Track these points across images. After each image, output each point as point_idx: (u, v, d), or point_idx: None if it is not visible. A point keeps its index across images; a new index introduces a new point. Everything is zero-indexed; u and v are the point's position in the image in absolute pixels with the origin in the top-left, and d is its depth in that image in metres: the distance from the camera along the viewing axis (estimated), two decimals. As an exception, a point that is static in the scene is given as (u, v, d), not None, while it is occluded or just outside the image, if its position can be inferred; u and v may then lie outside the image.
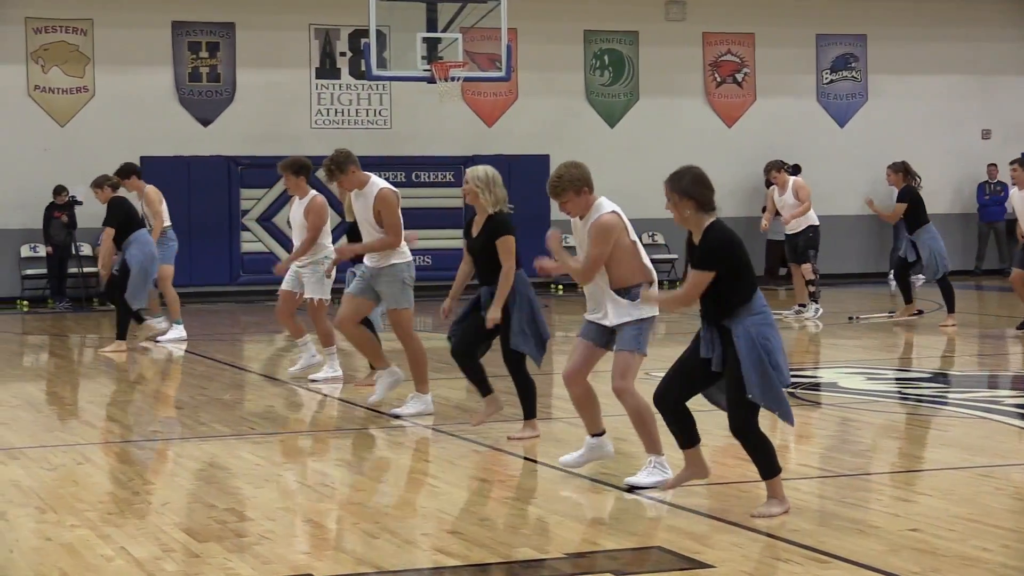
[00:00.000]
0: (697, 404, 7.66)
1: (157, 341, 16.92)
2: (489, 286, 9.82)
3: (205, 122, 24.14)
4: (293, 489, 8.49)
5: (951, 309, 17.39)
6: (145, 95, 23.81)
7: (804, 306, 18.90)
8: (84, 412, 11.96)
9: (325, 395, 12.48)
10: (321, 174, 11.42)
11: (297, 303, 13.28)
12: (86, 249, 23.12)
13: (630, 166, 24.62)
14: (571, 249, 8.62)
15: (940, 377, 13.61)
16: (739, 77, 26.71)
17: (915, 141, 27.02)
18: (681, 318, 16.90)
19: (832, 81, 27.26)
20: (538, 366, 10.02)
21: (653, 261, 8.46)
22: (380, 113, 24.91)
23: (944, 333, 16.89)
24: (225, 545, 6.95)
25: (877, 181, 24.19)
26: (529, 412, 9.94)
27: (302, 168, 13.01)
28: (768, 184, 20.42)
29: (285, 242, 22.34)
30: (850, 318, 18.65)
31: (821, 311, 18.81)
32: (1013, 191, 17.07)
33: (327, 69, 24.77)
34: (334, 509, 7.98)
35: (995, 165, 26.80)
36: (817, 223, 18.89)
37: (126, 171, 17.04)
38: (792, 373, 13.28)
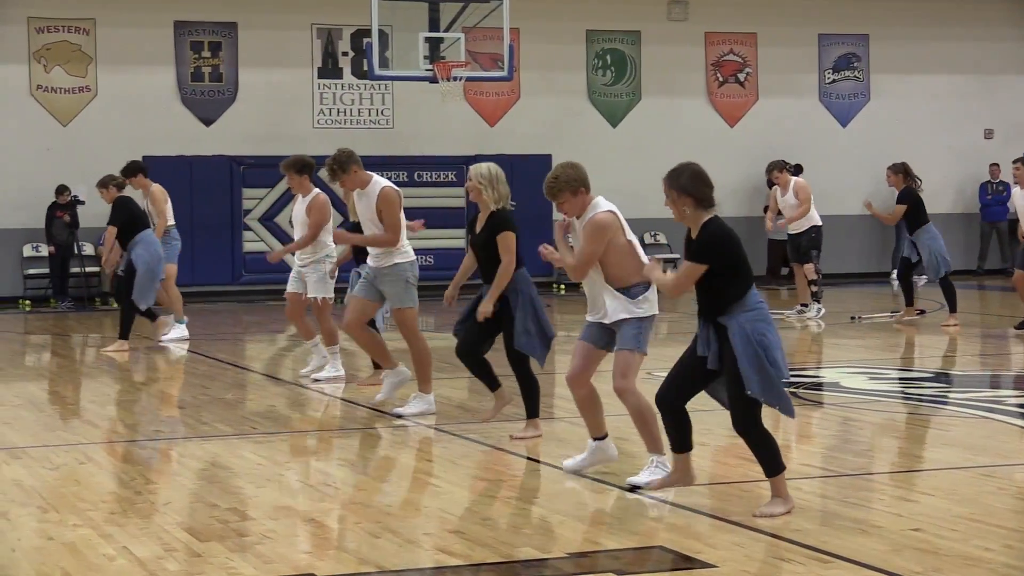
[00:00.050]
0: (700, 403, 7.66)
1: (159, 341, 16.91)
2: (490, 283, 9.84)
3: (207, 122, 24.15)
4: (295, 489, 8.49)
5: (953, 309, 17.39)
6: (147, 95, 23.82)
7: (806, 306, 18.90)
8: (86, 411, 11.96)
9: (327, 394, 12.48)
10: (324, 174, 11.43)
11: (305, 304, 13.29)
12: (88, 248, 23.13)
13: (632, 166, 24.62)
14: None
15: (942, 377, 13.60)
16: (741, 77, 26.70)
17: (917, 141, 27.02)
18: (682, 317, 16.93)
19: (834, 81, 27.25)
20: (541, 366, 10.02)
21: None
22: (382, 113, 24.92)
23: (946, 333, 16.89)
24: (227, 544, 6.95)
25: (879, 181, 24.14)
26: (532, 411, 9.95)
27: (305, 167, 13.02)
28: (770, 184, 20.41)
29: (287, 241, 22.26)
30: (852, 318, 18.65)
31: (823, 311, 18.81)
32: (1015, 190, 17.06)
33: (329, 69, 24.78)
34: (336, 509, 7.98)
35: (997, 165, 26.80)
36: (820, 223, 18.89)
37: (133, 169, 17.07)
38: (794, 373, 13.33)
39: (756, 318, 7.30)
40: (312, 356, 13.49)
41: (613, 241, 8.14)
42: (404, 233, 11.15)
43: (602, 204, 8.26)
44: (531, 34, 24.83)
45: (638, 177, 23.02)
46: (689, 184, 7.41)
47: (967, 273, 26.49)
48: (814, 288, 18.86)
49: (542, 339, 9.74)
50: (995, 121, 27.90)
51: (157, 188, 17.13)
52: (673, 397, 7.57)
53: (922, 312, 18.34)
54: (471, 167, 10.09)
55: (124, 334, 16.16)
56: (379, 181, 11.16)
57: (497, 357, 10.15)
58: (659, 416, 7.81)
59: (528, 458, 9.27)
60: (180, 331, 17.07)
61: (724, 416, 7.56)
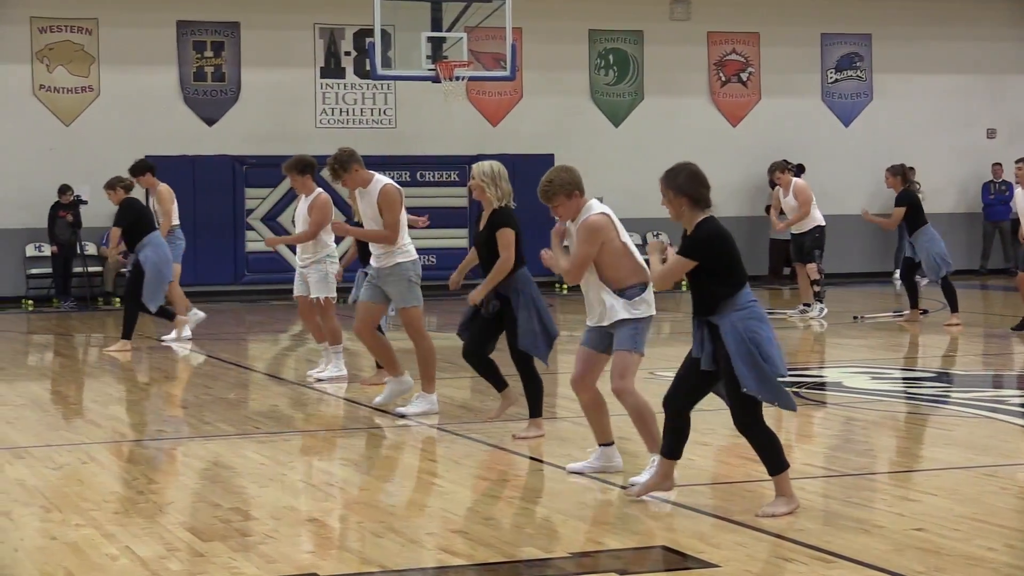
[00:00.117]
0: (703, 403, 7.66)
1: (162, 340, 16.93)
2: (492, 283, 9.90)
3: (210, 121, 24.16)
4: (298, 488, 8.49)
5: (954, 308, 17.39)
6: (150, 94, 23.83)
7: (809, 305, 18.90)
8: (89, 411, 11.97)
9: (330, 394, 12.48)
10: (326, 173, 11.44)
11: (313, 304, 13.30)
12: (91, 248, 23.15)
13: (635, 165, 24.62)
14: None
15: (945, 377, 13.60)
16: (744, 76, 26.70)
17: (920, 140, 27.03)
18: (685, 317, 16.89)
19: (837, 80, 27.25)
20: (546, 365, 10.03)
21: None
22: (385, 112, 24.92)
23: (949, 333, 16.89)
24: (230, 544, 6.95)
25: (881, 181, 24.01)
26: (535, 411, 9.95)
27: (307, 166, 13.02)
28: (772, 184, 20.42)
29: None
30: (855, 317, 18.65)
31: (826, 311, 18.81)
32: (1018, 191, 17.04)
33: (332, 68, 24.79)
34: (339, 508, 7.98)
35: (1000, 164, 26.80)
36: (824, 223, 18.89)
37: (141, 168, 17.12)
38: (797, 372, 13.33)
39: (748, 316, 7.30)
40: (323, 358, 13.47)
41: (608, 243, 8.16)
42: (405, 232, 11.16)
43: (595, 207, 8.32)
44: (533, 34, 24.82)
45: (640, 177, 23.01)
46: (686, 184, 7.43)
47: (970, 273, 26.49)
48: (816, 288, 18.86)
49: (545, 338, 9.75)
50: (998, 121, 27.89)
51: (164, 188, 17.18)
52: (681, 402, 7.56)
53: (925, 312, 18.34)
54: (473, 165, 10.11)
55: (127, 334, 16.16)
56: (380, 179, 11.17)
57: (501, 357, 10.15)
58: (658, 416, 7.81)
59: (531, 458, 9.27)
60: (182, 331, 17.05)
61: (727, 415, 7.56)
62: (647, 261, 7.99)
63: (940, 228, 17.76)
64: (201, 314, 17.33)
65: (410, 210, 11.76)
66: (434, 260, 22.63)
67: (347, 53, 24.79)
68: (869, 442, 9.95)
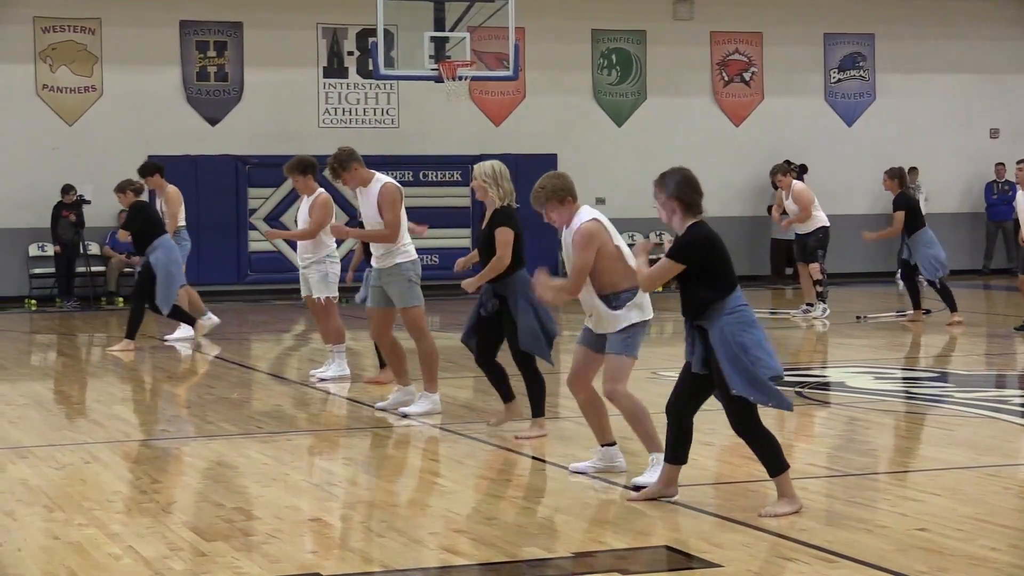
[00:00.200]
0: (705, 403, 7.66)
1: (165, 340, 16.95)
2: (491, 283, 9.88)
3: (213, 121, 24.17)
4: (301, 488, 8.49)
5: (953, 308, 17.42)
6: (153, 94, 23.83)
7: (812, 305, 18.90)
8: (92, 411, 11.97)
9: (333, 394, 12.49)
10: (327, 172, 11.44)
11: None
12: (94, 248, 23.16)
13: (637, 165, 24.60)
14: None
15: (947, 377, 13.59)
16: (747, 76, 26.69)
17: (923, 140, 27.02)
18: (688, 317, 16.88)
19: (840, 80, 27.24)
20: (551, 364, 10.03)
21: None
22: (388, 112, 24.93)
23: (951, 332, 16.88)
24: (233, 544, 6.95)
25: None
26: (537, 411, 9.95)
27: (308, 167, 13.02)
28: (775, 186, 20.43)
29: (292, 241, 22.34)
30: (858, 317, 18.65)
31: (828, 311, 18.81)
32: (1020, 192, 17.01)
33: (335, 68, 24.79)
34: (341, 508, 7.99)
35: (1003, 164, 26.78)
36: (828, 224, 18.90)
37: (150, 168, 17.16)
38: (799, 372, 13.33)
39: (735, 320, 7.30)
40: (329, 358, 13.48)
41: (602, 247, 8.20)
42: (406, 231, 11.16)
43: (585, 213, 8.35)
44: (536, 33, 24.83)
45: (643, 176, 22.75)
46: (678, 188, 7.46)
47: (973, 273, 26.49)
48: (819, 288, 18.87)
49: (546, 337, 9.75)
50: (1001, 121, 27.88)
51: (173, 190, 17.22)
52: (682, 408, 7.57)
53: (928, 312, 18.34)
54: (475, 166, 10.12)
55: (130, 334, 16.17)
56: (380, 178, 11.18)
57: (503, 356, 10.15)
58: (657, 416, 7.80)
59: (533, 457, 9.28)
60: (185, 330, 17.06)
61: (729, 416, 7.57)
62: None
63: (943, 228, 17.81)
64: (215, 319, 17.32)
65: (411, 213, 11.73)
66: (436, 260, 22.64)
67: (350, 53, 24.79)
68: (872, 442, 9.95)
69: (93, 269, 22.96)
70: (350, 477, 8.94)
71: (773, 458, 7.38)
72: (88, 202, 22.48)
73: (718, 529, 7.14)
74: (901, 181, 17.99)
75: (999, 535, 6.91)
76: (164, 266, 16.01)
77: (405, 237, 11.14)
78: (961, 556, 6.51)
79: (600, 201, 23.40)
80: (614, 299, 8.17)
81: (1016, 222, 17.09)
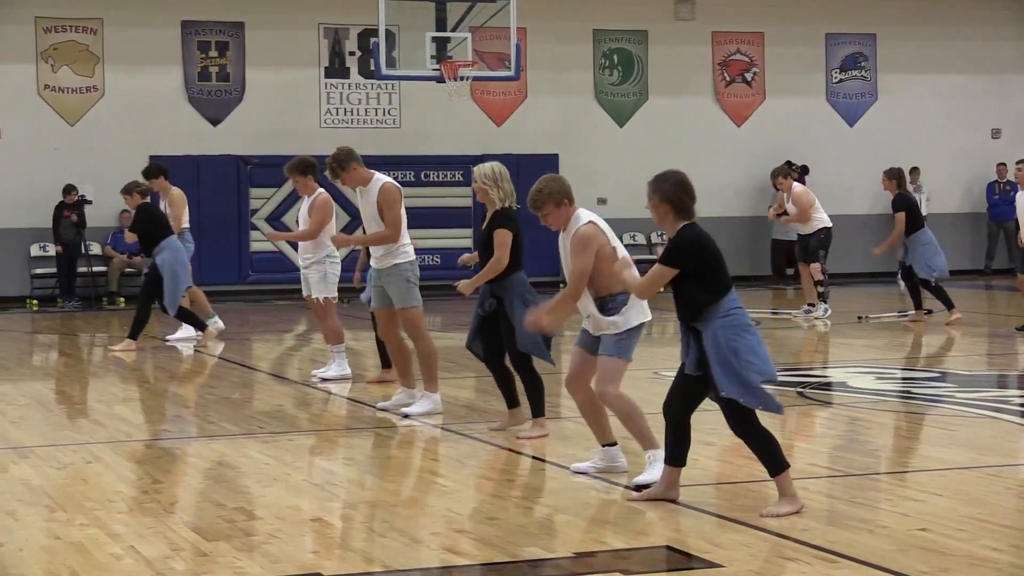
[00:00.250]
0: (706, 403, 7.65)
1: (166, 340, 16.96)
2: (492, 281, 9.89)
3: (214, 121, 24.18)
4: (302, 488, 8.49)
5: (950, 306, 17.45)
6: (154, 94, 23.85)
7: (813, 305, 18.91)
8: (93, 411, 11.97)
9: (334, 394, 12.49)
10: (327, 172, 11.45)
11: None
12: (95, 248, 23.18)
13: (639, 165, 24.54)
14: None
15: (948, 377, 13.59)
16: (748, 76, 26.69)
17: (924, 140, 27.02)
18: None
19: (841, 80, 27.24)
20: (552, 364, 10.02)
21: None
22: (389, 112, 24.93)
23: (951, 330, 16.89)
24: (234, 544, 6.96)
25: (885, 181, 24.16)
26: (537, 411, 9.95)
27: (308, 167, 13.02)
28: (776, 188, 20.42)
29: (293, 242, 22.35)
30: (859, 318, 18.65)
31: (829, 311, 18.81)
32: (1020, 192, 17.00)
33: (336, 68, 24.79)
34: (343, 508, 7.99)
35: (1004, 164, 26.78)
36: (830, 225, 18.90)
37: (154, 171, 17.19)
38: (801, 372, 13.33)
39: (729, 324, 7.31)
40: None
41: (600, 250, 8.22)
42: (405, 232, 11.17)
43: (583, 216, 8.37)
44: (538, 34, 24.83)
45: (645, 177, 22.46)
46: (671, 191, 7.48)
47: (974, 273, 26.49)
48: (821, 288, 18.87)
49: (544, 338, 9.74)
50: (1002, 121, 27.88)
51: (177, 192, 17.24)
52: (679, 410, 7.57)
53: (929, 312, 18.34)
54: (475, 168, 10.12)
55: (133, 334, 16.17)
56: (380, 178, 11.19)
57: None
58: (653, 416, 7.80)
59: (534, 457, 9.28)
60: (187, 330, 17.05)
61: (730, 416, 7.57)
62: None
63: (944, 228, 17.82)
64: (221, 324, 17.30)
65: (412, 213, 11.72)
66: (438, 260, 22.65)
67: (351, 53, 24.80)
68: (873, 442, 9.95)
69: (95, 269, 22.97)
70: (351, 477, 8.94)
71: (773, 457, 7.39)
72: (90, 202, 22.50)
73: (719, 529, 7.14)
74: (900, 182, 18.01)
75: (1000, 535, 6.91)
76: (170, 267, 16.03)
77: (405, 237, 11.15)
78: (962, 556, 6.51)
79: (602, 201, 23.42)
80: (610, 301, 8.18)
81: (1017, 222, 17.08)
